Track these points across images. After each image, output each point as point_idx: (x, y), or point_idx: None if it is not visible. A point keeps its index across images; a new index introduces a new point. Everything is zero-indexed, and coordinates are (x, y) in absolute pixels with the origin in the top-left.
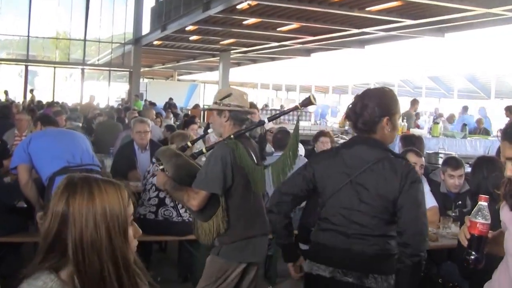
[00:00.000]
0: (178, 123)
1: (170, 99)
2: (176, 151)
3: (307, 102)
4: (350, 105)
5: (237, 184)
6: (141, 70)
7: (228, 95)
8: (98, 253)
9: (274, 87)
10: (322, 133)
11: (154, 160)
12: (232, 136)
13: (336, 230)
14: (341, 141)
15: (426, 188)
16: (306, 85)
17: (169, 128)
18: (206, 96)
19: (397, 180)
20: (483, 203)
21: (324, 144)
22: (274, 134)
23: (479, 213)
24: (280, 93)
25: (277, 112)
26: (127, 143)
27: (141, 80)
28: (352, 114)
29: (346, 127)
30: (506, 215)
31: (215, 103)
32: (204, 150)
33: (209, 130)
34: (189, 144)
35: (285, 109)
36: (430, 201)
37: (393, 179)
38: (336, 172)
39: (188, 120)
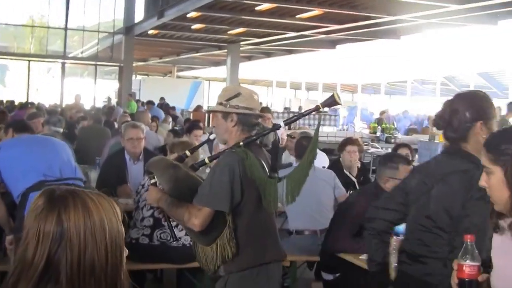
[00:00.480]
0: (177, 127)
1: (162, 98)
2: (172, 162)
3: (330, 101)
4: (439, 112)
5: (246, 200)
6: (134, 64)
7: (236, 95)
8: (97, 276)
9: (292, 86)
10: (349, 141)
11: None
12: (241, 144)
13: (405, 250)
14: (372, 149)
15: None
16: (330, 83)
17: (175, 133)
18: (211, 96)
19: (464, 193)
20: (469, 242)
21: (351, 154)
22: (297, 141)
23: (466, 254)
24: (299, 92)
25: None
26: (117, 152)
27: (133, 77)
28: (441, 121)
29: (378, 133)
30: (494, 242)
31: (220, 103)
32: (206, 161)
33: (211, 136)
34: (187, 153)
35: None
36: None
37: (460, 192)
38: (420, 182)
39: (191, 124)
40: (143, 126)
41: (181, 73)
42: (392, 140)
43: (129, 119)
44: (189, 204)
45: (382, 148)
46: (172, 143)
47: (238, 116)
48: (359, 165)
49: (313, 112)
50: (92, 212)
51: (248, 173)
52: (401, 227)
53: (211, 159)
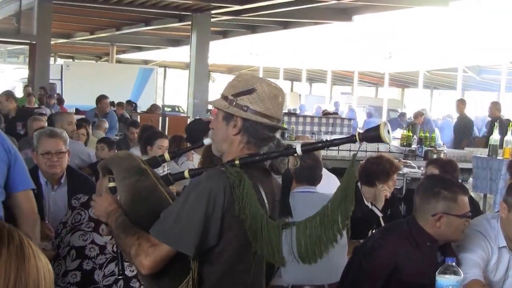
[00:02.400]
0: (119, 137)
1: (42, 89)
2: (141, 165)
3: (373, 135)
4: None
5: (225, 246)
6: (52, 42)
7: (249, 91)
8: None
9: (287, 76)
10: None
11: (75, 202)
12: (237, 162)
13: None
14: (405, 169)
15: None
16: (342, 71)
17: (108, 145)
18: (169, 90)
19: None
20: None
21: (388, 184)
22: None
23: None
24: (298, 85)
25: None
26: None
27: (51, 60)
28: None
29: (414, 146)
30: None
31: (225, 97)
32: (186, 174)
33: (206, 140)
34: (166, 156)
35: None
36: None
37: None
38: None
39: (152, 132)
40: (65, 135)
41: (123, 56)
42: (435, 156)
43: (44, 124)
44: (143, 233)
45: (420, 168)
46: (105, 161)
47: (244, 122)
48: (388, 194)
49: (327, 118)
50: (29, 260)
51: (237, 207)
52: (446, 282)
53: (193, 173)
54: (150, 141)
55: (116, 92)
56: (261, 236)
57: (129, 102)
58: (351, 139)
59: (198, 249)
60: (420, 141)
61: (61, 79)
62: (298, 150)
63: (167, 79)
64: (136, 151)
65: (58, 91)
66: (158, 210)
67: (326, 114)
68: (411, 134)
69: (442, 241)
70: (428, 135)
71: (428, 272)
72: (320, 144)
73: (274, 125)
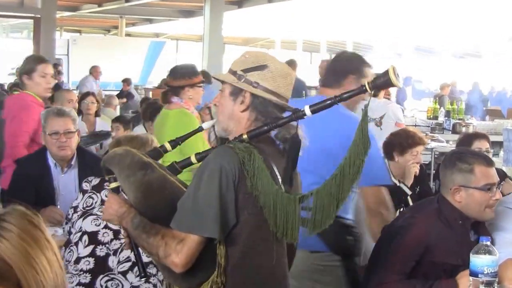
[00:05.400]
0: (129, 114)
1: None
2: (143, 158)
3: (384, 81)
4: None
5: (242, 225)
6: (58, 15)
7: (260, 67)
8: None
9: (307, 47)
10: (416, 140)
11: (86, 185)
12: (245, 137)
13: None
14: (432, 144)
15: None
16: (364, 42)
17: (124, 123)
18: (181, 63)
19: None
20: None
21: (414, 158)
22: None
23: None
24: (317, 56)
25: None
26: (35, 155)
27: (58, 34)
28: None
29: (441, 119)
30: None
31: (233, 72)
32: (193, 159)
33: (205, 124)
34: (168, 146)
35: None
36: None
37: None
38: None
39: (154, 107)
40: (74, 113)
41: (133, 29)
42: (463, 129)
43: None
44: (166, 231)
45: (448, 141)
46: (116, 139)
47: (253, 98)
48: (417, 171)
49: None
50: (38, 245)
51: (249, 184)
52: (481, 262)
53: (200, 157)
54: (151, 115)
55: (126, 67)
56: (275, 211)
57: (126, 80)
58: (361, 90)
59: (222, 230)
60: (448, 114)
61: (67, 54)
62: (307, 111)
63: (179, 53)
64: (139, 129)
65: (65, 66)
66: (175, 201)
67: None
68: (438, 107)
69: (472, 218)
70: (455, 107)
71: (461, 252)
72: (329, 101)
73: (284, 104)
